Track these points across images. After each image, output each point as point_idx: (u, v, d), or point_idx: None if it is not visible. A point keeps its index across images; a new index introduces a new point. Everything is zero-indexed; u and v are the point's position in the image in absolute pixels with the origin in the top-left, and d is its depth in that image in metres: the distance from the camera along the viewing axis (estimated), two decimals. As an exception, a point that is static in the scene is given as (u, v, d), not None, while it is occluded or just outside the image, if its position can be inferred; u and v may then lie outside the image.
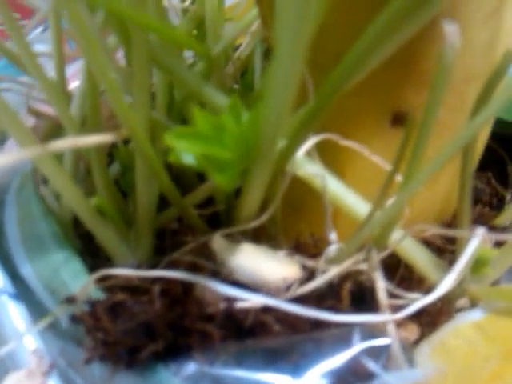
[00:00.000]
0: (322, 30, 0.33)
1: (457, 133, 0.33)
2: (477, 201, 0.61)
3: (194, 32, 0.60)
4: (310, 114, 0.36)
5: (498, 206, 0.61)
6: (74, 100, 0.46)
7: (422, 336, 0.40)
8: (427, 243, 0.45)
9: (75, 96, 0.46)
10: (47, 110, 0.52)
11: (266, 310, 0.37)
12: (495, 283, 0.44)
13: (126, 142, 0.48)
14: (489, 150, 0.63)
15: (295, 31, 0.27)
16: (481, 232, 0.38)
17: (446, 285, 0.37)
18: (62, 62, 0.49)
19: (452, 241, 0.45)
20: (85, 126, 0.45)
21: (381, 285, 0.38)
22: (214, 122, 0.33)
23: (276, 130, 0.33)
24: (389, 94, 0.42)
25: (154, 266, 0.42)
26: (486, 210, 0.58)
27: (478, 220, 0.55)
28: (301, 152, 0.39)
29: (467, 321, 0.39)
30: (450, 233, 0.41)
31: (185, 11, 0.60)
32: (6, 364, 0.42)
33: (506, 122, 0.59)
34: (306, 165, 0.40)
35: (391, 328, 0.37)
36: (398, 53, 0.33)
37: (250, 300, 0.36)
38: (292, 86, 0.30)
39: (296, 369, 0.36)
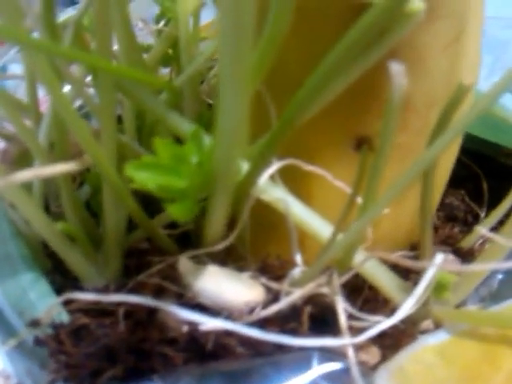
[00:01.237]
0: (282, 56, 0.34)
1: (418, 157, 0.34)
2: (451, 218, 0.61)
3: (169, 52, 0.60)
4: (272, 140, 0.36)
5: (473, 223, 0.61)
6: (41, 125, 0.47)
7: (384, 358, 0.41)
8: (393, 265, 0.45)
9: (43, 121, 0.47)
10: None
11: (229, 333, 0.37)
12: (461, 304, 0.44)
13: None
14: (464, 166, 0.64)
15: (235, 61, 0.28)
16: (440, 258, 0.38)
17: (406, 307, 0.38)
18: (33, 84, 0.49)
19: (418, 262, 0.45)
20: (52, 151, 0.45)
21: (341, 308, 0.39)
22: (174, 151, 0.34)
23: (229, 158, 0.33)
24: (351, 120, 0.42)
25: (121, 287, 0.43)
26: (456, 230, 0.58)
27: (447, 241, 0.55)
28: (265, 176, 0.40)
29: (428, 344, 0.39)
30: (410, 260, 0.41)
31: (159, 32, 0.60)
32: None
33: (480, 139, 0.60)
34: (269, 189, 0.40)
35: (351, 352, 0.37)
36: (359, 81, 0.34)
37: (212, 324, 0.37)
38: (239, 116, 0.30)
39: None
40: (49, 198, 0.51)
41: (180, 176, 0.34)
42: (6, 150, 0.57)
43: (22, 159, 0.55)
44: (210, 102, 0.64)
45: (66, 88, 0.47)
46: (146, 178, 0.33)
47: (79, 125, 0.37)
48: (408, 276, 0.44)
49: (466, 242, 0.54)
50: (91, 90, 0.51)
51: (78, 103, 0.57)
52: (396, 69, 0.31)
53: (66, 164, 0.38)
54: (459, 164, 0.54)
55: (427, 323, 0.43)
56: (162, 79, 0.57)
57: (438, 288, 0.40)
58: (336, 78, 0.33)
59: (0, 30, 0.30)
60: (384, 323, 0.37)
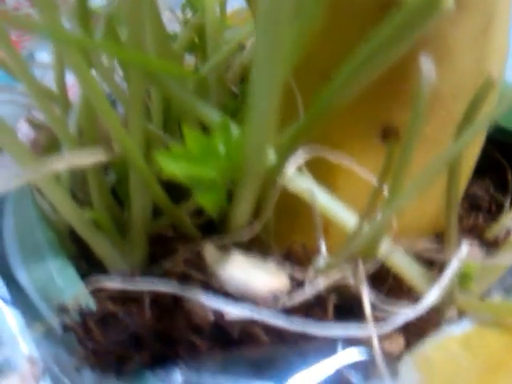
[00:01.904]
0: (311, 50, 0.34)
1: (444, 148, 0.34)
2: (475, 208, 0.61)
3: (195, 40, 0.60)
4: (300, 132, 0.36)
5: (497, 213, 0.61)
6: (70, 113, 0.47)
7: (409, 347, 0.41)
8: (418, 255, 0.45)
9: (72, 109, 0.47)
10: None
11: (254, 320, 0.37)
12: (486, 293, 0.44)
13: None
14: (488, 156, 0.63)
15: (271, 49, 0.28)
16: (465, 248, 0.38)
17: (431, 297, 0.38)
18: (62, 72, 0.49)
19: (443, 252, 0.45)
20: (82, 139, 0.45)
21: (366, 297, 0.39)
22: (203, 142, 0.34)
23: (260, 149, 0.33)
24: (378, 110, 0.42)
25: (147, 274, 0.43)
26: (480, 220, 0.58)
27: (471, 230, 0.55)
28: (292, 166, 0.40)
29: (452, 333, 0.40)
30: (435, 248, 0.41)
31: (186, 20, 0.60)
32: (3, 369, 0.43)
33: (505, 129, 0.60)
34: (296, 178, 0.40)
35: (375, 340, 0.37)
36: (387, 71, 0.34)
37: (238, 312, 0.37)
38: (271, 107, 0.30)
39: (281, 379, 0.36)
40: (75, 185, 0.52)
41: (209, 167, 0.34)
42: (36, 138, 0.57)
43: (52, 147, 0.55)
44: (235, 90, 0.65)
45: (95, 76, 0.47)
46: (175, 168, 0.33)
47: (109, 112, 0.38)
48: (432, 265, 0.44)
49: (491, 232, 0.54)
50: (118, 78, 0.51)
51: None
52: (425, 61, 0.31)
53: (97, 153, 0.38)
54: (484, 153, 0.53)
55: (451, 313, 0.43)
56: (190, 69, 0.57)
57: (463, 278, 0.40)
58: (365, 71, 0.33)
59: (36, 26, 0.31)
60: (409, 312, 0.37)
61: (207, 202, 0.34)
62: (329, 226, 0.43)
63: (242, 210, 0.39)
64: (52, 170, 0.35)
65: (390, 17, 0.30)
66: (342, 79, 0.33)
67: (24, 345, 0.43)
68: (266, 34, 0.27)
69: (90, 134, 0.44)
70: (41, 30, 0.32)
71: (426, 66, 0.31)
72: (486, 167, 0.61)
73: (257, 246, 0.44)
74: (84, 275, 0.44)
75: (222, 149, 0.35)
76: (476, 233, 0.54)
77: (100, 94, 0.37)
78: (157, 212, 0.47)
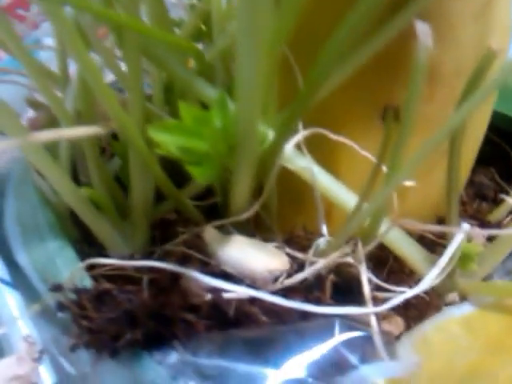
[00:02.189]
0: (304, 22, 0.33)
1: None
2: (480, 196, 0.61)
3: (202, 27, 0.60)
4: (297, 106, 0.36)
5: (502, 201, 0.60)
6: (68, 92, 0.47)
7: (409, 329, 0.40)
8: (420, 237, 0.45)
9: (70, 89, 0.47)
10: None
11: (252, 300, 0.37)
12: (487, 278, 0.44)
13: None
14: (493, 145, 0.63)
15: (251, 18, 0.27)
16: (466, 227, 0.38)
17: (431, 277, 0.37)
18: (63, 54, 0.49)
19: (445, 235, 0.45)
20: (81, 119, 0.45)
21: (365, 277, 0.39)
22: (197, 114, 0.34)
23: (251, 120, 0.33)
24: (379, 90, 0.42)
25: (147, 256, 0.43)
26: (484, 205, 0.58)
27: (475, 215, 0.55)
28: (290, 144, 0.40)
29: (453, 315, 0.39)
30: (436, 228, 0.41)
31: (192, 6, 0.60)
32: (3, 348, 0.43)
33: (510, 118, 0.59)
34: (295, 158, 0.40)
35: (373, 320, 0.37)
36: (387, 50, 0.33)
37: (236, 291, 0.37)
38: (257, 77, 0.30)
39: (278, 359, 0.36)
40: (78, 170, 0.52)
41: (202, 138, 0.34)
42: (35, 117, 0.57)
43: (51, 127, 0.55)
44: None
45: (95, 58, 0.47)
46: (168, 140, 0.33)
47: (105, 91, 0.38)
48: (434, 249, 0.43)
49: (494, 216, 0.54)
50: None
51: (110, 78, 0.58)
52: (422, 29, 0.31)
53: (90, 127, 0.38)
54: (489, 142, 0.53)
55: (453, 295, 0.43)
56: (188, 42, 0.56)
57: (464, 260, 0.40)
58: (360, 42, 0.32)
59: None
60: (408, 293, 0.37)
61: (199, 174, 0.33)
62: (332, 209, 0.43)
63: (241, 190, 0.39)
64: (45, 139, 0.35)
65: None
66: (336, 46, 0.33)
67: (23, 325, 0.43)
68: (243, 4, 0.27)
69: (88, 113, 0.44)
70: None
71: (423, 32, 0.30)
72: (491, 156, 0.61)
73: (260, 230, 0.44)
74: (85, 257, 0.44)
75: (218, 123, 0.34)
76: (479, 218, 0.54)
77: (96, 73, 0.37)
78: (161, 197, 0.47)
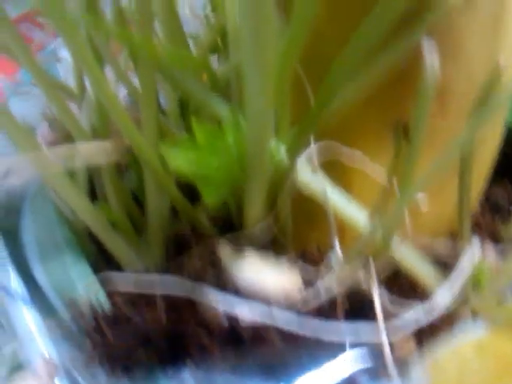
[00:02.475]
0: (314, 39, 0.34)
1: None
2: (495, 210, 0.60)
3: (218, 41, 0.60)
4: (308, 121, 0.36)
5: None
6: (83, 108, 0.47)
7: (421, 347, 0.40)
8: (433, 254, 0.45)
9: (84, 105, 0.47)
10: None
11: (266, 317, 0.37)
12: (499, 296, 0.44)
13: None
14: (508, 158, 0.63)
15: (255, 33, 0.28)
16: (477, 244, 0.38)
17: (443, 296, 0.37)
18: (80, 69, 0.50)
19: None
20: (95, 136, 0.46)
21: (377, 295, 0.39)
22: (210, 131, 0.34)
23: (260, 137, 0.33)
24: (389, 107, 0.42)
25: (162, 273, 0.43)
26: (499, 219, 0.57)
27: (489, 230, 0.54)
28: (302, 159, 0.40)
29: (464, 336, 0.39)
30: (448, 245, 0.41)
31: (208, 20, 0.61)
32: (19, 367, 0.43)
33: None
34: (309, 177, 0.40)
35: (385, 338, 0.37)
36: (398, 66, 0.34)
37: (250, 309, 0.37)
38: (264, 93, 0.30)
39: (290, 378, 0.36)
40: (94, 184, 0.52)
41: (214, 154, 0.34)
42: (49, 134, 0.58)
43: (66, 143, 0.56)
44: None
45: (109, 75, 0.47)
46: (179, 156, 0.33)
47: (118, 109, 0.38)
48: (446, 267, 0.43)
49: (508, 231, 0.54)
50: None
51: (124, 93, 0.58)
52: (428, 46, 0.31)
53: (104, 143, 0.39)
54: (503, 156, 0.53)
55: (465, 314, 0.43)
56: (202, 60, 0.57)
57: (476, 278, 0.40)
58: (371, 60, 0.33)
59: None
60: (421, 311, 0.37)
61: (208, 193, 0.34)
62: (345, 226, 0.43)
63: (254, 205, 0.39)
64: (59, 155, 0.36)
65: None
66: (346, 61, 0.33)
67: (39, 341, 0.43)
68: (248, 21, 0.27)
69: (103, 130, 0.44)
70: (48, 12, 0.32)
71: (429, 49, 0.31)
72: (506, 169, 0.60)
73: (273, 246, 0.44)
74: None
75: (230, 140, 0.35)
76: (493, 233, 0.54)
77: (109, 90, 0.37)
78: (175, 212, 0.48)
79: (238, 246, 0.42)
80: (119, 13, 0.42)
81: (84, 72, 0.43)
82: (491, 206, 0.60)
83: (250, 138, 0.34)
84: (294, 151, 0.38)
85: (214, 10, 0.60)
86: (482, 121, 0.33)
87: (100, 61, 0.38)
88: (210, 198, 0.34)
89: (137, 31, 0.38)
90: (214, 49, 0.61)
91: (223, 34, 0.59)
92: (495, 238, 0.53)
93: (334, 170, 0.41)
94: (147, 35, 0.38)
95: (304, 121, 0.36)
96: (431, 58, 0.31)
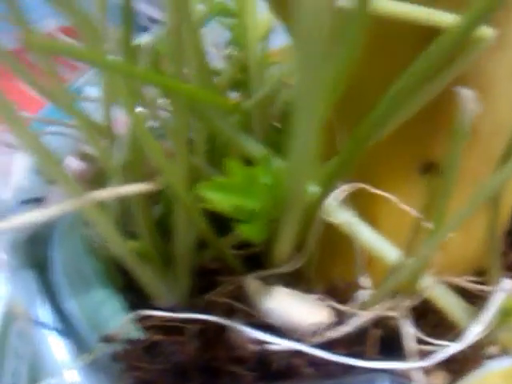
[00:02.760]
0: (352, 85, 0.34)
1: (484, 182, 0.34)
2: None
3: (239, 76, 0.61)
4: (341, 164, 0.37)
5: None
6: (117, 145, 0.48)
7: (451, 383, 0.41)
8: (459, 288, 0.45)
9: (119, 142, 0.48)
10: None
11: (297, 353, 0.38)
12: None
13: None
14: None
15: (311, 83, 0.28)
16: (508, 283, 0.38)
17: (474, 333, 0.38)
18: (109, 106, 0.51)
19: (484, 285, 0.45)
20: (128, 171, 0.46)
21: (409, 332, 0.39)
22: (245, 173, 0.35)
23: (301, 180, 0.34)
24: (418, 145, 0.43)
25: (191, 306, 0.44)
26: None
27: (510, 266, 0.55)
28: (333, 199, 0.41)
29: (495, 369, 0.40)
30: (477, 283, 0.42)
31: (230, 56, 0.62)
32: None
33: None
34: (337, 212, 0.41)
35: (418, 375, 0.37)
36: (426, 106, 0.34)
37: (281, 343, 0.37)
38: (311, 140, 0.31)
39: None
40: (123, 217, 0.53)
41: (252, 197, 0.35)
42: (83, 169, 0.59)
43: (98, 179, 0.56)
44: (278, 125, 0.65)
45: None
46: (218, 199, 0.34)
47: (154, 145, 0.39)
48: (474, 301, 0.44)
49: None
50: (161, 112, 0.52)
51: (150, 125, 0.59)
52: (466, 95, 0.31)
53: (141, 184, 0.39)
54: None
55: (493, 348, 0.43)
56: (233, 101, 0.58)
57: (505, 313, 0.40)
58: (406, 104, 0.33)
59: (84, 54, 0.32)
60: (451, 348, 0.37)
61: (250, 232, 0.34)
62: (370, 261, 0.43)
63: (285, 243, 0.40)
64: (100, 199, 0.36)
65: (429, 47, 0.30)
66: (382, 112, 0.33)
67: (71, 375, 0.44)
68: (304, 66, 0.27)
69: (136, 167, 0.45)
70: (89, 58, 0.33)
71: (467, 98, 0.31)
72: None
73: (298, 280, 0.44)
74: (130, 306, 0.45)
75: (264, 180, 0.35)
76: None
77: (144, 126, 0.38)
78: (201, 244, 0.48)
79: (265, 280, 0.43)
80: (154, 55, 0.44)
81: (112, 109, 0.44)
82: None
83: (291, 179, 0.34)
84: (326, 190, 0.39)
85: (237, 47, 0.61)
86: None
87: (134, 97, 0.39)
88: (253, 237, 0.35)
89: (170, 72, 0.39)
90: (235, 83, 0.62)
91: (244, 69, 0.60)
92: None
93: (362, 207, 0.42)
94: (179, 77, 0.39)
95: (338, 160, 0.37)
96: (468, 105, 0.32)
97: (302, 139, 0.31)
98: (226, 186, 0.34)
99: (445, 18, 0.31)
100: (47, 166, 0.37)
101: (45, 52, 0.34)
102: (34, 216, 0.34)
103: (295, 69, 0.28)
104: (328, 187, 0.39)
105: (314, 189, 0.39)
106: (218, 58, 0.63)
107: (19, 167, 0.59)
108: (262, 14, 0.56)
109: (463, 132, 0.33)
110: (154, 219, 0.52)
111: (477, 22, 0.28)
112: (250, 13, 0.55)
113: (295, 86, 0.28)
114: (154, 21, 0.78)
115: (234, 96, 0.66)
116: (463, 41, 0.29)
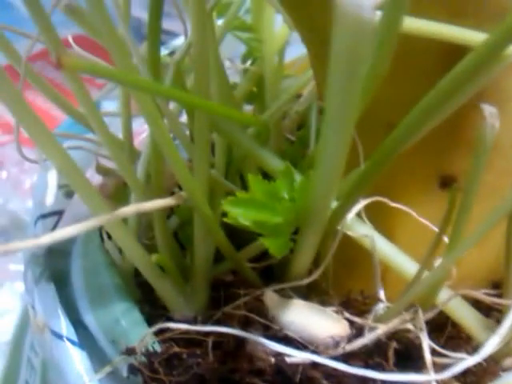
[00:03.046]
0: (375, 100, 0.35)
1: (503, 197, 0.35)
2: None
3: (254, 89, 0.62)
4: (361, 179, 0.37)
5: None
6: (139, 159, 0.49)
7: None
8: (475, 303, 0.45)
9: (141, 155, 0.49)
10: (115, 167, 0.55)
11: (315, 365, 0.38)
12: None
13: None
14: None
15: (344, 103, 0.28)
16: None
17: (490, 346, 0.38)
18: (129, 121, 0.51)
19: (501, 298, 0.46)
20: (149, 184, 0.47)
21: (426, 344, 0.39)
22: (267, 187, 0.35)
23: (326, 196, 0.34)
24: (437, 159, 0.43)
25: (209, 318, 0.44)
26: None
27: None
28: (351, 213, 0.41)
29: (511, 381, 0.40)
30: (494, 297, 0.42)
31: (245, 70, 0.62)
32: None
33: None
34: (356, 225, 0.41)
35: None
36: (446, 120, 0.34)
37: (299, 356, 0.38)
38: (341, 156, 0.31)
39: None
40: (141, 229, 0.53)
41: (274, 212, 0.35)
42: (104, 184, 0.59)
43: (118, 192, 0.57)
44: (292, 137, 0.66)
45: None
46: (241, 214, 0.34)
47: (177, 159, 0.39)
48: (490, 314, 0.44)
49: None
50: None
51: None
52: (489, 110, 0.32)
53: (164, 199, 0.40)
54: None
55: (509, 361, 0.43)
56: (254, 116, 0.58)
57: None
58: (430, 120, 0.34)
59: (116, 74, 0.32)
60: (468, 361, 0.38)
61: (274, 246, 0.35)
62: (386, 274, 0.44)
63: (304, 257, 0.40)
64: (125, 215, 0.37)
65: (456, 66, 0.30)
66: (405, 129, 0.34)
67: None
68: (340, 84, 0.27)
69: (157, 180, 0.46)
70: (116, 76, 0.33)
71: (489, 113, 0.32)
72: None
73: (315, 292, 0.45)
74: (148, 319, 0.46)
75: (285, 195, 0.36)
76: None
77: (169, 141, 0.39)
78: (217, 257, 0.49)
79: (282, 293, 0.43)
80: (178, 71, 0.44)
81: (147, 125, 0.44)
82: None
83: (317, 194, 0.35)
84: (346, 204, 0.39)
85: (253, 61, 0.61)
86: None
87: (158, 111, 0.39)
88: (277, 252, 0.35)
89: (193, 88, 0.40)
90: (250, 97, 0.63)
91: (259, 83, 0.60)
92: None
93: (380, 221, 0.42)
94: (203, 93, 0.39)
95: (359, 176, 0.37)
96: (491, 121, 0.32)
97: (331, 156, 0.32)
98: (248, 201, 0.35)
99: (470, 36, 0.32)
100: (73, 181, 0.38)
101: (76, 72, 0.35)
102: (59, 234, 0.34)
103: (328, 87, 0.28)
104: (349, 201, 0.39)
105: (335, 203, 0.39)
106: (232, 71, 0.63)
107: (38, 181, 0.59)
108: (277, 28, 0.57)
109: (485, 147, 0.33)
110: (171, 230, 0.53)
111: (507, 41, 0.28)
112: (267, 27, 0.56)
113: (327, 102, 0.29)
114: (167, 33, 0.78)
115: (247, 109, 0.66)
116: (491, 59, 0.29)
